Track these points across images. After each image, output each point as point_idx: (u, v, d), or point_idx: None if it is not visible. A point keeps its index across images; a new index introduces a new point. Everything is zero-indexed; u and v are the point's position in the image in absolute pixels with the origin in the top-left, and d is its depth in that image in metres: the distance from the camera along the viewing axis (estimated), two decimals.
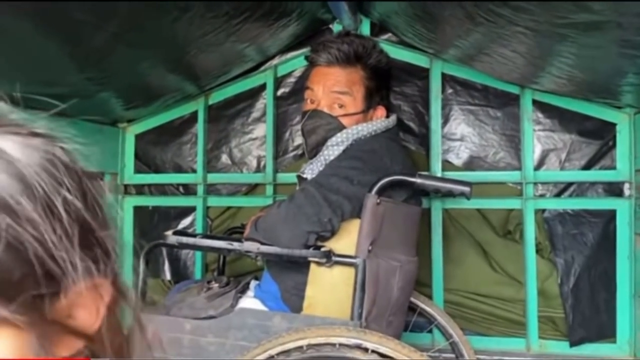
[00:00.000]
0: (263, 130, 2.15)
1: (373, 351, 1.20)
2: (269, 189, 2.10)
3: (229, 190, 2.18)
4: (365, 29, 2.05)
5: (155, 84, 1.84)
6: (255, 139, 2.17)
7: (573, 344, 1.84)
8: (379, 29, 2.04)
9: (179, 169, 2.21)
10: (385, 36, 2.05)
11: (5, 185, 0.36)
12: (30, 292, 0.36)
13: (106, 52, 1.33)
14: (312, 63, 1.57)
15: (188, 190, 2.21)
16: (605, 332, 1.84)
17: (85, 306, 0.41)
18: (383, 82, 1.59)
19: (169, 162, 2.22)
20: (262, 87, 2.15)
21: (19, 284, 0.36)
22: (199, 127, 2.17)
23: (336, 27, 2.07)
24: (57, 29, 1.19)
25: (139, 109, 2.06)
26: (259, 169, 2.16)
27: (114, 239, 0.45)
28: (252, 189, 2.17)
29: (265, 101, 2.15)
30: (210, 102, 2.18)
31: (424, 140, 2.01)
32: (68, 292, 0.39)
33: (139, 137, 2.22)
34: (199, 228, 2.15)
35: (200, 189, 2.16)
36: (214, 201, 2.17)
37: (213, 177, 2.17)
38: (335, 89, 1.51)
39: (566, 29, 1.07)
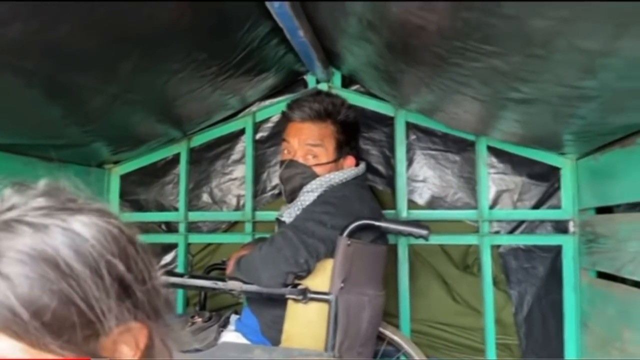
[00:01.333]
0: (242, 171, 2.31)
1: None
2: (248, 226, 2.25)
3: (209, 228, 2.32)
4: (337, 80, 2.25)
5: (143, 132, 1.99)
6: (234, 179, 2.33)
7: None
8: (349, 80, 2.24)
9: (161, 208, 2.34)
10: (355, 87, 2.24)
11: (63, 254, 0.52)
12: (77, 333, 0.51)
13: (104, 110, 1.48)
14: (288, 119, 1.75)
15: (170, 227, 2.34)
16: (554, 357, 2.03)
17: (126, 343, 0.57)
18: (351, 134, 1.77)
19: (152, 201, 2.35)
20: (242, 132, 2.32)
21: (68, 327, 0.51)
22: (181, 168, 2.32)
23: (310, 78, 2.26)
24: (63, 92, 1.34)
25: (125, 153, 2.20)
26: (238, 207, 2.31)
27: (151, 292, 0.60)
28: (231, 226, 2.31)
29: (245, 144, 2.31)
30: (192, 144, 2.33)
31: (391, 181, 2.20)
32: (110, 332, 0.54)
33: (123, 178, 2.35)
34: (180, 264, 2.27)
35: (181, 227, 2.29)
36: (195, 238, 2.30)
37: (194, 215, 2.31)
38: (308, 142, 1.68)
39: (505, 101, 1.27)
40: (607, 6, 0.75)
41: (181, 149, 2.32)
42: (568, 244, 2.03)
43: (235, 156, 2.35)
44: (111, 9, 1.03)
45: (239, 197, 2.32)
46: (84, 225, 0.55)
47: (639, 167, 1.46)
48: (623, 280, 1.61)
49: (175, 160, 2.34)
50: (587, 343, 1.92)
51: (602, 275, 1.80)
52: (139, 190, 2.35)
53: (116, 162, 2.34)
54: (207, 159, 2.35)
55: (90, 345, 0.53)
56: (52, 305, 0.48)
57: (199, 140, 2.33)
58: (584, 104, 1.28)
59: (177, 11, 1.19)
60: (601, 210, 1.84)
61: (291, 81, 2.29)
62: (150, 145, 2.22)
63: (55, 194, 0.57)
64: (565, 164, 2.04)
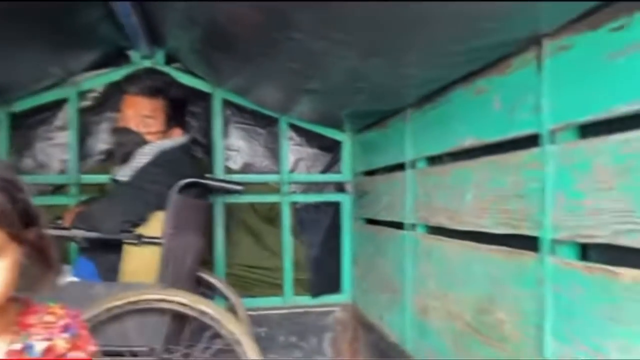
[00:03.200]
0: (66, 137, 2.46)
1: (175, 302, 1.72)
2: (74, 189, 2.42)
3: (34, 191, 2.42)
4: (160, 58, 2.51)
5: None
6: (58, 145, 2.47)
7: (314, 296, 2.60)
8: (171, 58, 2.53)
9: None
10: (177, 64, 2.54)
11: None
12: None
13: None
14: (124, 91, 2.01)
15: None
16: (335, 286, 2.64)
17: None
18: (179, 109, 2.10)
19: None
20: (65, 100, 2.46)
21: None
22: (1, 133, 2.37)
23: (134, 54, 2.49)
24: None
25: None
26: (63, 171, 2.46)
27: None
28: (56, 189, 2.46)
29: (69, 112, 2.46)
30: (14, 110, 2.40)
31: (209, 149, 2.57)
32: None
33: None
34: None
35: None
36: None
37: None
38: (142, 113, 1.97)
39: (298, 91, 1.75)
40: (355, 39, 1.24)
41: (1, 114, 2.37)
42: (346, 200, 2.64)
43: (58, 122, 2.48)
44: None
45: (63, 161, 2.47)
46: None
47: (389, 141, 2.06)
48: (379, 223, 2.24)
49: None
50: (356, 274, 2.56)
51: (368, 221, 2.43)
52: None
53: None
54: (29, 125, 2.44)
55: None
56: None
57: (20, 106, 2.41)
58: (355, 96, 1.82)
59: None
60: (368, 173, 2.46)
61: (116, 55, 2.48)
62: None
63: None
64: (345, 139, 2.63)
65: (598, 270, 0.92)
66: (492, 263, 1.28)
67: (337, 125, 2.56)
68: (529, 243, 1.12)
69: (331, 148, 2.66)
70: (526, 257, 1.13)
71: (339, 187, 2.67)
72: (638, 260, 0.85)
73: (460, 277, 1.44)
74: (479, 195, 1.34)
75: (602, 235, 0.91)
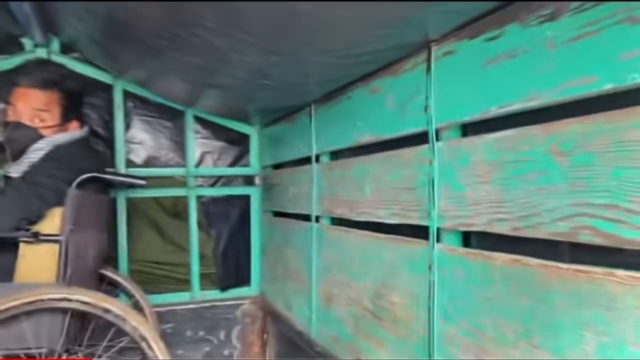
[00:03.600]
0: None
1: (76, 300, 1.67)
2: None
3: None
4: (55, 46, 2.39)
5: None
6: None
7: (222, 290, 2.61)
8: (68, 47, 2.41)
9: None
10: (75, 54, 2.43)
11: None
12: None
13: None
14: (14, 84, 1.89)
15: None
16: (243, 279, 2.67)
17: None
18: (76, 102, 2.02)
19: None
20: None
21: None
22: None
23: (27, 41, 2.35)
24: None
25: None
26: None
27: None
28: None
29: None
30: None
31: (110, 142, 2.48)
32: None
33: None
34: None
35: None
36: None
37: None
38: (35, 106, 1.87)
39: (204, 86, 1.74)
40: (256, 39, 1.27)
41: None
42: (255, 193, 2.67)
43: None
44: None
45: None
46: None
47: (296, 136, 2.11)
48: (286, 215, 2.29)
49: None
50: (265, 264, 2.60)
51: (276, 214, 2.48)
52: None
53: None
54: None
55: None
56: None
57: None
58: (260, 92, 1.85)
59: None
60: (276, 166, 2.50)
61: (7, 43, 2.33)
62: None
63: None
64: (253, 132, 2.66)
65: (476, 255, 1.03)
66: (387, 251, 1.37)
67: (245, 119, 2.57)
68: (420, 232, 1.22)
69: (239, 141, 2.67)
70: (417, 245, 1.22)
71: (248, 180, 2.69)
72: (509, 246, 0.96)
73: (359, 265, 1.52)
74: (377, 188, 1.43)
75: (478, 224, 1.01)
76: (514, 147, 0.92)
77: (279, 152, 2.38)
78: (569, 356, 0.80)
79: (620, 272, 0.72)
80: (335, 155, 1.79)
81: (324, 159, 1.84)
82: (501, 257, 0.95)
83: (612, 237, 0.73)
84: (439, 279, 1.14)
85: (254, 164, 2.68)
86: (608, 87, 0.73)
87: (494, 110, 0.97)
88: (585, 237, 0.77)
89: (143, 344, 1.73)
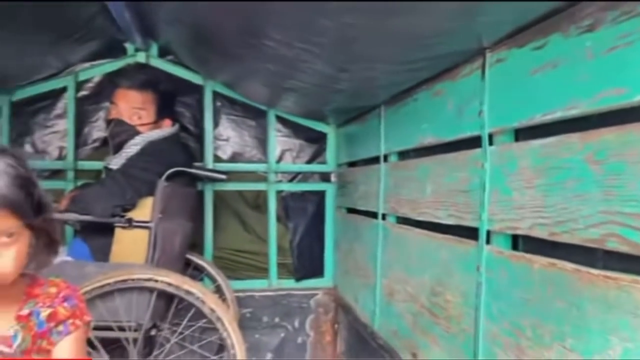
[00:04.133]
0: (64, 125, 2.59)
1: (162, 282, 1.86)
2: (70, 174, 2.55)
3: None
4: (154, 50, 2.63)
5: None
6: (56, 132, 2.60)
7: (298, 280, 2.74)
8: (164, 50, 2.64)
9: None
10: (170, 57, 2.66)
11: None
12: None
13: None
14: (116, 85, 2.14)
15: None
16: (318, 271, 2.78)
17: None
18: (169, 101, 2.23)
19: None
20: (64, 89, 2.58)
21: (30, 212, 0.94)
22: (3, 120, 2.50)
23: (129, 46, 2.61)
24: None
25: None
26: (60, 157, 2.59)
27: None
28: (53, 174, 2.59)
29: (67, 101, 2.58)
30: (14, 99, 2.52)
31: (200, 139, 2.70)
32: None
33: None
34: None
35: None
36: None
37: None
38: (134, 105, 2.10)
39: (283, 89, 1.87)
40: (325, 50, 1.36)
41: (3, 102, 2.50)
42: (330, 190, 2.77)
43: (57, 111, 2.61)
44: None
45: (61, 148, 2.60)
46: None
47: (367, 135, 2.19)
48: (357, 212, 2.37)
49: None
50: (338, 258, 2.70)
51: (349, 210, 2.57)
52: None
53: None
54: (29, 113, 2.57)
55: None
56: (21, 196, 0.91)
57: (21, 95, 2.53)
58: (333, 95, 1.95)
59: None
60: (351, 164, 2.58)
61: (112, 47, 2.60)
62: None
63: None
64: (330, 131, 2.76)
65: (519, 258, 1.05)
66: (443, 250, 1.41)
67: (322, 118, 2.68)
68: (473, 234, 1.26)
69: (317, 139, 2.79)
70: (468, 246, 1.26)
71: (324, 177, 2.80)
72: (550, 250, 0.99)
73: (418, 263, 1.57)
74: (436, 189, 1.47)
75: (522, 228, 1.04)
76: (556, 153, 0.94)
77: (353, 151, 2.47)
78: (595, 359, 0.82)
79: None
80: (403, 155, 1.84)
81: (392, 158, 1.90)
82: (540, 261, 0.98)
83: (637, 246, 0.74)
84: (486, 279, 1.17)
85: (330, 161, 2.78)
86: (638, 98, 0.75)
87: (539, 118, 0.99)
88: (612, 245, 0.79)
89: (219, 325, 1.89)
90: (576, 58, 0.88)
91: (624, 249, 0.77)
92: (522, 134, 1.12)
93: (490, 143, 1.19)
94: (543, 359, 0.95)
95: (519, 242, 1.15)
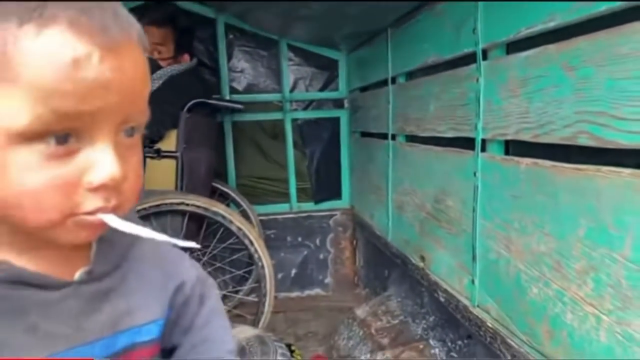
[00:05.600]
0: None
1: (192, 205, 2.04)
2: None
3: None
4: None
5: None
6: None
7: (317, 202, 2.92)
8: None
9: None
10: None
11: None
12: None
13: None
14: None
15: None
16: (335, 193, 2.95)
17: None
18: (188, 37, 2.32)
19: None
20: None
21: None
22: None
23: None
24: None
25: None
26: None
27: None
28: None
29: None
30: None
31: (215, 71, 2.80)
32: None
33: None
34: None
35: None
36: None
37: None
38: (153, 41, 2.20)
39: (295, 18, 1.94)
40: None
41: None
42: (343, 116, 2.88)
43: None
44: None
45: None
46: None
47: (376, 59, 2.27)
48: (370, 135, 2.49)
49: None
50: (354, 180, 2.85)
51: (363, 134, 2.68)
52: None
53: None
54: None
55: None
56: None
57: None
58: (344, 20, 2.02)
59: None
60: (363, 89, 2.67)
61: None
62: None
63: None
64: (341, 57, 2.83)
65: (509, 161, 1.18)
66: (444, 161, 1.54)
67: (333, 45, 2.75)
68: (471, 143, 1.38)
69: (328, 67, 2.87)
70: (466, 155, 1.39)
71: (338, 103, 2.91)
72: (535, 151, 1.11)
73: (424, 176, 1.71)
74: (438, 105, 1.58)
75: (510, 133, 1.16)
76: (537, 64, 1.04)
77: (364, 76, 2.55)
78: (567, 239, 0.96)
79: (605, 168, 0.86)
80: (410, 76, 1.94)
81: (400, 80, 1.99)
82: (525, 161, 1.10)
83: (600, 140, 0.86)
84: (482, 183, 1.31)
85: (342, 88, 2.87)
86: (602, 8, 0.84)
87: (524, 31, 1.09)
88: (583, 140, 0.91)
89: (246, 241, 2.08)
90: None
91: (591, 143, 0.89)
92: (514, 47, 1.21)
93: (485, 58, 1.29)
94: (526, 245, 1.10)
95: (510, 147, 1.27)
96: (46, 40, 0.43)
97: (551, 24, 0.99)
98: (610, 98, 0.84)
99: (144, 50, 0.53)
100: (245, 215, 2.70)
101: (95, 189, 0.48)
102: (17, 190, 0.45)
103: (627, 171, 0.81)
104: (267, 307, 2.10)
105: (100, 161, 0.48)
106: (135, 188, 0.53)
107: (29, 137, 0.44)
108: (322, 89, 2.89)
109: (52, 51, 0.43)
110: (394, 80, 2.04)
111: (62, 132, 0.45)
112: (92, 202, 0.48)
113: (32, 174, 0.45)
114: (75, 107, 0.44)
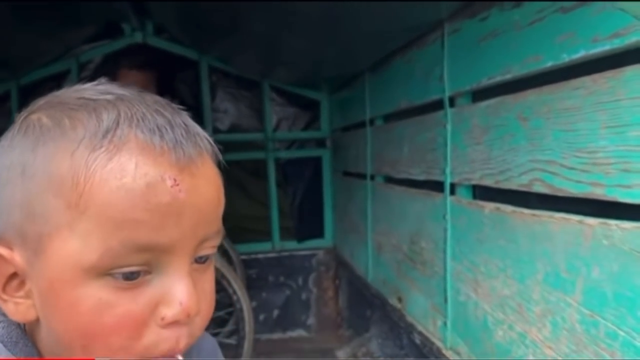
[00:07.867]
0: None
1: None
2: None
3: None
4: (150, 28, 2.75)
5: None
6: None
7: (299, 241, 2.93)
8: (160, 29, 2.76)
9: None
10: (166, 35, 2.78)
11: None
12: None
13: None
14: (118, 66, 2.28)
15: None
16: (318, 232, 2.96)
17: None
18: (169, 79, 2.37)
19: None
20: (68, 71, 2.73)
21: None
22: (12, 104, 2.66)
23: (126, 27, 2.73)
24: None
25: None
26: None
27: None
28: None
29: (71, 82, 2.73)
30: (22, 83, 2.67)
31: (198, 112, 2.84)
32: None
33: None
34: None
35: None
36: None
37: None
38: (135, 85, 2.24)
39: (275, 63, 2.00)
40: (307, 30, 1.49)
41: (11, 86, 2.65)
42: (326, 155, 2.93)
43: None
44: None
45: None
46: None
47: (356, 101, 2.32)
48: (351, 174, 2.53)
49: (5, 97, 2.67)
50: (336, 218, 2.87)
51: (344, 173, 2.72)
52: None
53: None
54: (35, 96, 2.70)
55: None
56: None
57: (27, 79, 2.68)
58: (325, 65, 2.08)
59: None
60: (345, 129, 2.72)
61: (110, 29, 2.73)
62: None
63: None
64: (323, 98, 2.89)
65: (473, 205, 1.21)
66: (418, 203, 1.57)
67: (314, 86, 2.81)
68: (441, 187, 1.41)
69: (310, 107, 2.92)
70: (436, 198, 1.42)
71: (320, 143, 2.95)
72: (499, 197, 1.14)
73: (400, 216, 1.74)
74: (411, 149, 1.62)
75: (475, 178, 1.19)
76: (496, 113, 1.09)
77: (346, 116, 2.60)
78: (527, 283, 0.99)
79: (557, 215, 0.89)
80: (387, 119, 1.98)
81: (378, 122, 2.04)
82: (488, 206, 1.13)
83: (552, 187, 0.90)
84: (451, 226, 1.34)
85: (324, 127, 2.92)
86: (549, 64, 0.89)
87: (485, 82, 1.14)
88: (537, 188, 0.94)
89: (224, 282, 2.08)
90: (509, 29, 1.02)
91: (545, 191, 0.92)
92: (479, 96, 1.26)
93: (452, 105, 1.34)
94: (492, 288, 1.12)
95: (476, 192, 1.30)
96: (117, 167, 0.40)
97: (508, 76, 1.04)
98: (559, 148, 0.88)
99: (216, 162, 0.50)
100: (226, 255, 2.69)
101: (168, 325, 0.43)
102: (84, 330, 0.42)
103: (575, 218, 0.84)
104: (247, 350, 2.08)
105: (175, 294, 0.43)
106: (206, 322, 0.48)
107: (99, 272, 0.41)
108: (304, 129, 2.94)
109: (123, 178, 0.40)
110: (372, 122, 2.09)
111: (135, 266, 0.41)
112: (164, 343, 0.43)
113: (100, 313, 0.41)
114: (148, 237, 0.41)
